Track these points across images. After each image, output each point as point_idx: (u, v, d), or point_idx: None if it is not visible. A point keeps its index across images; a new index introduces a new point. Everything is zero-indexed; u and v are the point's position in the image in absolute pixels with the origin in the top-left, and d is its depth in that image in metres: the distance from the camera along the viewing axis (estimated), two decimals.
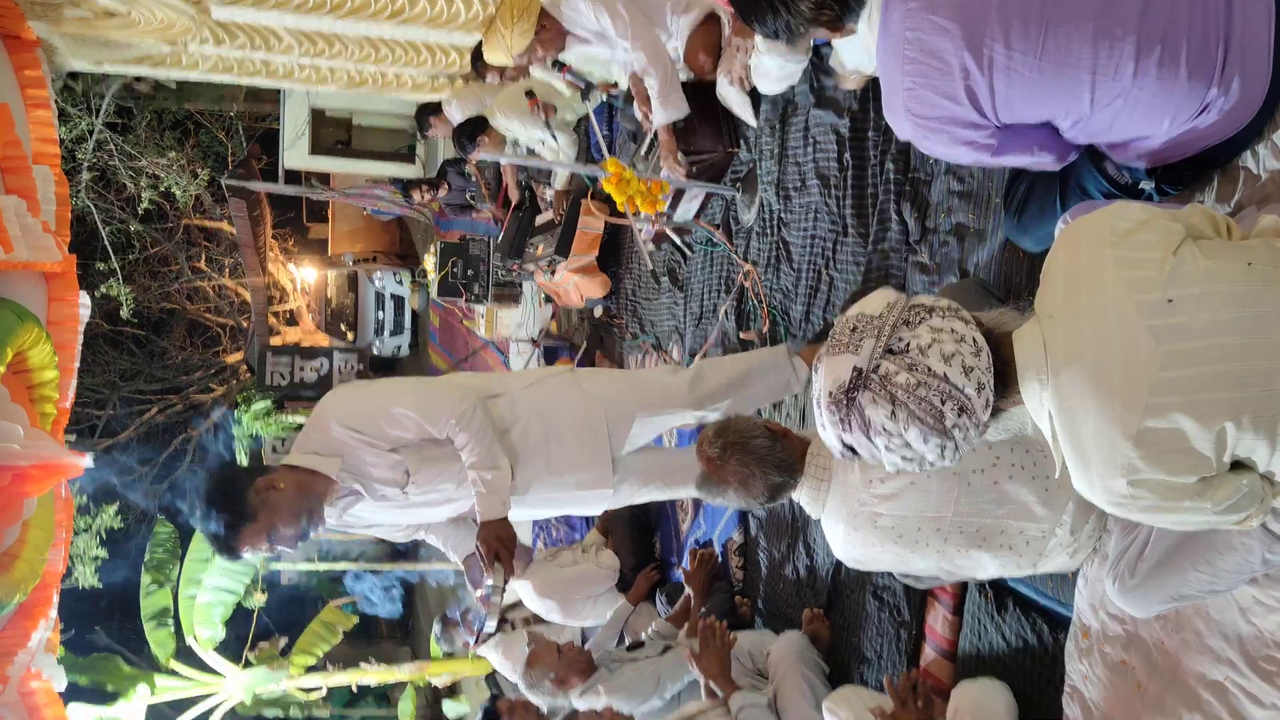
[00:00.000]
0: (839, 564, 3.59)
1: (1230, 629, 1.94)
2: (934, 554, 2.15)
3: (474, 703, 9.71)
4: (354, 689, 11.15)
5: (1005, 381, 1.57)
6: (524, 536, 7.30)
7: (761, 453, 2.46)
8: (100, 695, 9.68)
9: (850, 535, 2.25)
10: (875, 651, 3.32)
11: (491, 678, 5.90)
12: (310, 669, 10.54)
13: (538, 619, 5.42)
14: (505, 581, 3.32)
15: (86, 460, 3.63)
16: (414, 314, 13.90)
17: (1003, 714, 2.59)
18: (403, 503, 3.33)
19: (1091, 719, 2.34)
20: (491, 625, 3.74)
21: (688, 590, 4.37)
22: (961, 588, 2.96)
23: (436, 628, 6.26)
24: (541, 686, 4.31)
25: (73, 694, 8.34)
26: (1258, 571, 1.75)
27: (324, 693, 10.93)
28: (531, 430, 3.45)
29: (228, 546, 3.02)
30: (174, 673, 10.16)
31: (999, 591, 2.79)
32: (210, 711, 10.26)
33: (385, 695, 13.53)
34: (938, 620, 3.03)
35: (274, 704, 11.54)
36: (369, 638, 12.51)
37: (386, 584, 10.96)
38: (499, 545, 3.25)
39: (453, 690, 10.77)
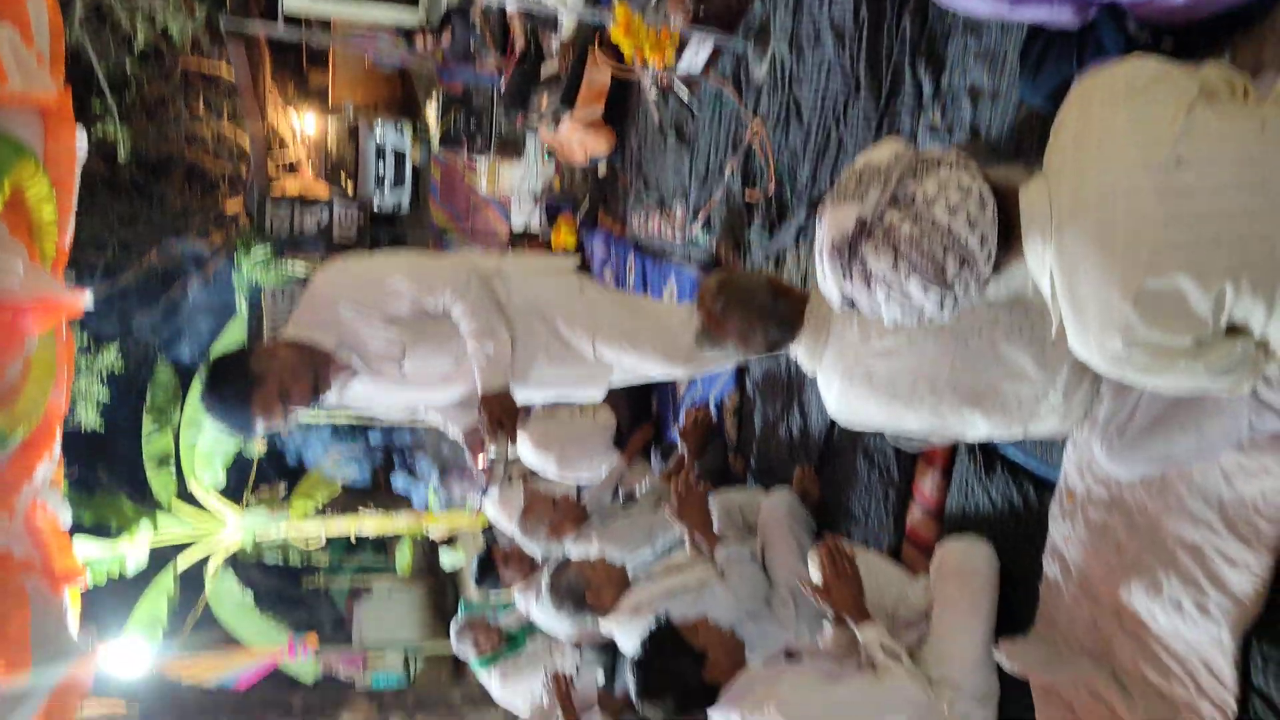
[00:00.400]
0: (832, 425, 3.63)
1: (1212, 493, 1.98)
2: (927, 411, 2.16)
3: (470, 554, 9.95)
4: (353, 540, 11.42)
5: (1009, 236, 1.55)
6: None
7: (764, 310, 2.46)
8: (104, 532, 9.93)
9: (845, 390, 2.26)
10: (863, 510, 3.38)
11: (489, 531, 6.02)
12: (310, 516, 10.80)
13: (534, 474, 5.52)
14: (507, 452, 3.35)
15: (86, 298, 3.62)
16: (415, 169, 13.71)
17: (984, 570, 2.66)
18: (400, 380, 3.33)
19: (1069, 578, 2.40)
20: (495, 494, 3.80)
21: (682, 448, 4.44)
22: (951, 451, 2.99)
23: (435, 484, 6.37)
24: (537, 534, 4.42)
25: (77, 531, 8.55)
26: (1244, 437, 1.77)
27: (323, 541, 11.20)
28: (536, 328, 3.45)
29: (241, 416, 3.00)
30: (176, 513, 10.41)
31: (988, 455, 2.83)
32: (210, 555, 10.54)
33: (383, 545, 13.85)
34: (926, 482, 3.07)
35: (274, 550, 11.84)
36: (367, 488, 12.74)
37: (351, 454, 11.13)
38: (502, 414, 3.26)
39: (449, 541, 11.04)
